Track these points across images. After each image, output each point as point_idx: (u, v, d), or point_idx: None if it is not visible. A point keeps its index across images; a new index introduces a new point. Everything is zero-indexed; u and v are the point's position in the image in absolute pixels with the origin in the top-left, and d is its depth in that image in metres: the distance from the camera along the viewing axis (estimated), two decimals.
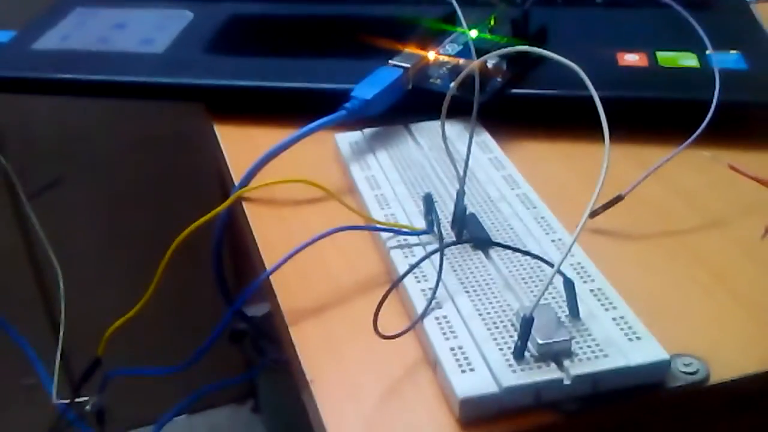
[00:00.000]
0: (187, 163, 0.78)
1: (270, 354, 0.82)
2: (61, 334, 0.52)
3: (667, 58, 0.40)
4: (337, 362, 0.26)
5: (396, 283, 0.26)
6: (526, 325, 0.23)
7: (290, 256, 0.29)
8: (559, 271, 0.24)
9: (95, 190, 0.78)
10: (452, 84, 0.27)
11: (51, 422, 0.50)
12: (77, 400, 0.45)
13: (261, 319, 0.79)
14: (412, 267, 0.25)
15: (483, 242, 0.28)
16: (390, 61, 0.38)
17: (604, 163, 0.23)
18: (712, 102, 0.34)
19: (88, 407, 0.43)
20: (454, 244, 0.28)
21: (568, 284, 0.25)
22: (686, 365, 0.25)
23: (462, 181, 0.29)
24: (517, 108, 0.38)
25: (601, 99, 0.23)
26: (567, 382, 0.23)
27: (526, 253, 0.27)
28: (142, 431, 0.88)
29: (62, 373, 0.49)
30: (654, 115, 0.37)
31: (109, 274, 0.80)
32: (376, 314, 0.24)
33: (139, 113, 0.74)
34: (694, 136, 0.33)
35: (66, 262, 0.55)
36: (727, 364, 0.25)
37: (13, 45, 0.46)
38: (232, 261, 0.64)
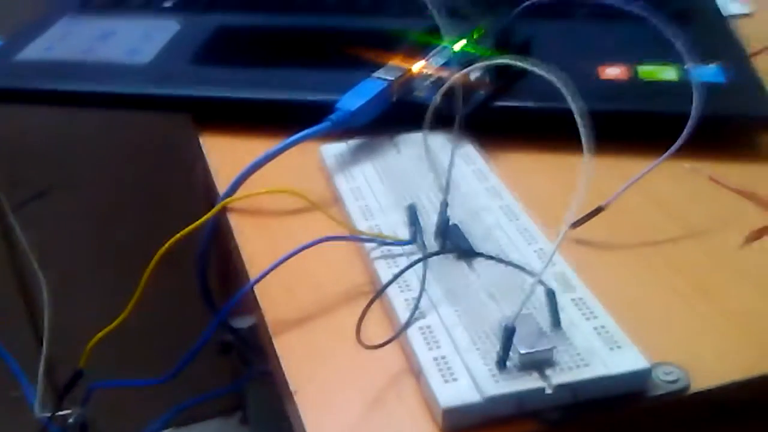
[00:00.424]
0: (175, 174, 0.78)
1: (257, 365, 0.82)
2: (45, 346, 0.52)
3: (647, 71, 0.40)
4: (321, 373, 0.26)
5: (379, 292, 0.26)
6: (508, 335, 0.24)
7: (274, 267, 0.29)
8: (540, 281, 0.24)
9: (81, 201, 0.78)
10: (435, 96, 0.27)
11: None
12: (60, 413, 0.45)
13: (248, 331, 0.79)
14: (395, 277, 0.26)
15: (466, 252, 0.28)
16: (374, 74, 0.38)
17: (584, 175, 0.24)
18: (691, 115, 0.35)
19: (71, 420, 0.42)
20: (437, 254, 0.29)
21: (550, 294, 0.25)
22: (667, 374, 0.25)
23: (445, 192, 0.29)
24: (500, 120, 0.38)
25: (583, 110, 0.24)
26: (549, 391, 0.23)
27: (508, 263, 0.27)
28: None
29: (47, 385, 0.49)
30: (635, 127, 0.38)
31: (94, 285, 0.80)
32: (359, 324, 0.24)
33: (126, 124, 0.74)
34: (673, 148, 0.34)
35: (51, 273, 0.54)
36: (708, 372, 0.25)
37: None
38: (220, 270, 0.63)
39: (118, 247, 0.79)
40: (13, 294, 0.78)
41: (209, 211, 0.33)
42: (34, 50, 0.45)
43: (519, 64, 0.25)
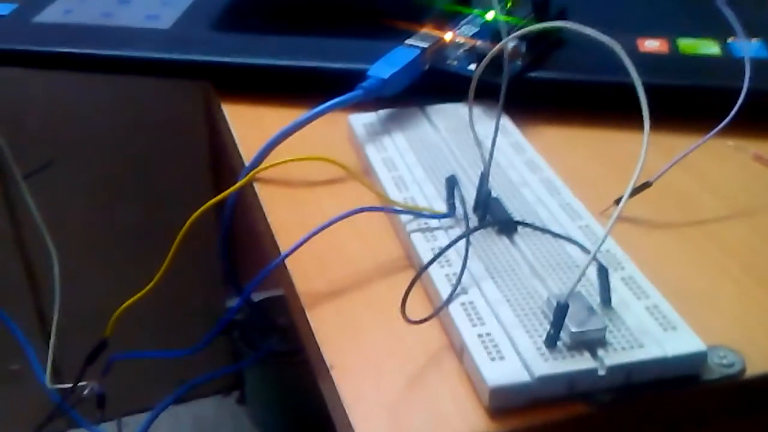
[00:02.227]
0: (181, 148, 0.76)
1: (266, 345, 0.81)
2: (55, 318, 0.51)
3: (688, 45, 0.39)
4: (358, 348, 0.25)
5: (424, 268, 0.25)
6: (561, 313, 0.22)
7: (307, 239, 0.28)
8: (595, 258, 0.23)
9: (87, 173, 0.76)
10: (477, 66, 0.26)
11: (38, 408, 0.49)
12: (77, 384, 0.44)
13: (258, 305, 0.78)
14: (440, 253, 0.24)
15: (510, 225, 0.27)
16: (407, 41, 0.37)
17: (644, 148, 0.23)
18: (735, 90, 0.33)
19: (85, 392, 0.41)
20: (480, 228, 0.27)
21: (602, 272, 0.24)
22: (721, 357, 0.24)
23: (488, 164, 0.28)
24: (536, 92, 0.37)
25: (622, 85, 0.22)
26: (601, 372, 0.22)
27: (560, 236, 0.26)
28: (131, 419, 0.87)
29: (54, 359, 0.48)
30: (677, 103, 0.37)
31: (100, 258, 0.79)
32: (404, 299, 0.23)
33: (131, 96, 0.73)
34: (722, 124, 0.32)
35: (56, 246, 0.53)
36: (763, 356, 0.24)
37: (14, 17, 0.44)
38: (233, 249, 0.62)
39: (124, 220, 0.78)
40: (17, 268, 0.77)
41: (217, 184, 0.31)
42: (52, 13, 0.44)
43: (574, 25, 0.24)
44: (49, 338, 0.48)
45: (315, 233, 0.28)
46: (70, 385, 0.37)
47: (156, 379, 0.63)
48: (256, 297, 0.72)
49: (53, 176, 0.71)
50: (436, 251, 0.27)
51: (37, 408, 0.51)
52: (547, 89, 0.37)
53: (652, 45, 0.39)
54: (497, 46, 0.28)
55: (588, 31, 0.24)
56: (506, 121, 0.35)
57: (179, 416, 0.90)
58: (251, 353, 0.81)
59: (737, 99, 0.32)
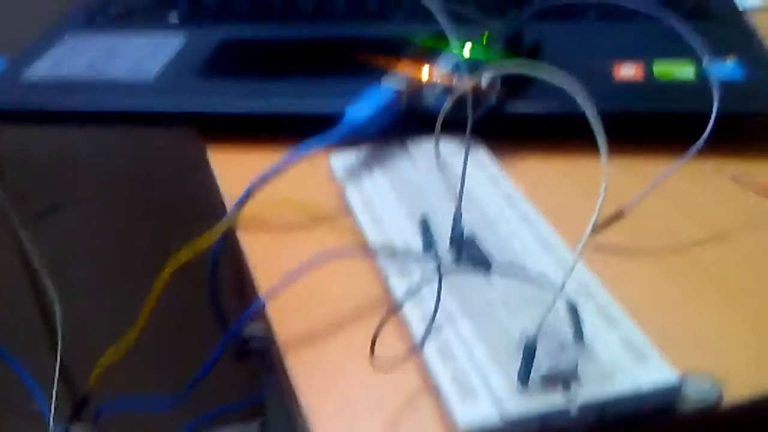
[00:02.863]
0: (186, 189, 0.77)
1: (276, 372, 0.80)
2: (58, 363, 0.51)
3: (663, 70, 0.39)
4: (335, 392, 0.25)
5: (390, 314, 0.25)
6: (530, 350, 0.22)
7: (285, 284, 0.28)
8: (561, 295, 0.23)
9: (94, 216, 0.77)
10: (446, 103, 0.26)
11: None
12: (73, 428, 0.44)
13: (267, 337, 0.78)
14: (407, 297, 0.25)
15: (482, 266, 0.27)
16: (383, 82, 0.37)
17: (604, 179, 0.23)
18: (710, 113, 0.34)
19: None
20: (454, 263, 0.28)
21: (572, 309, 0.24)
22: (698, 386, 0.24)
23: (459, 203, 0.28)
24: (513, 125, 0.37)
25: (598, 113, 0.23)
26: (574, 412, 0.22)
27: (527, 275, 0.26)
28: None
29: (63, 399, 0.48)
30: (653, 128, 0.37)
31: (107, 300, 0.79)
32: (372, 345, 0.23)
33: (136, 139, 0.74)
34: (694, 148, 0.32)
35: (65, 288, 0.54)
36: (742, 382, 0.24)
37: (5, 75, 0.45)
38: (236, 280, 0.63)
39: (131, 261, 0.78)
40: (31, 310, 0.78)
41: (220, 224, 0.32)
42: (40, 68, 0.45)
43: (527, 71, 0.24)
44: (59, 380, 0.48)
45: (292, 278, 0.28)
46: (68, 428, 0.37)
47: (172, 415, 0.63)
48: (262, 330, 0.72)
49: (60, 218, 0.72)
50: (413, 291, 0.27)
51: None
52: (523, 122, 0.37)
53: (628, 72, 0.39)
54: (464, 85, 0.28)
55: (547, 76, 0.24)
56: (484, 155, 0.36)
57: None
58: (269, 378, 0.81)
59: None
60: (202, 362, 0.30)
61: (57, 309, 0.52)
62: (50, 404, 0.45)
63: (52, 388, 0.46)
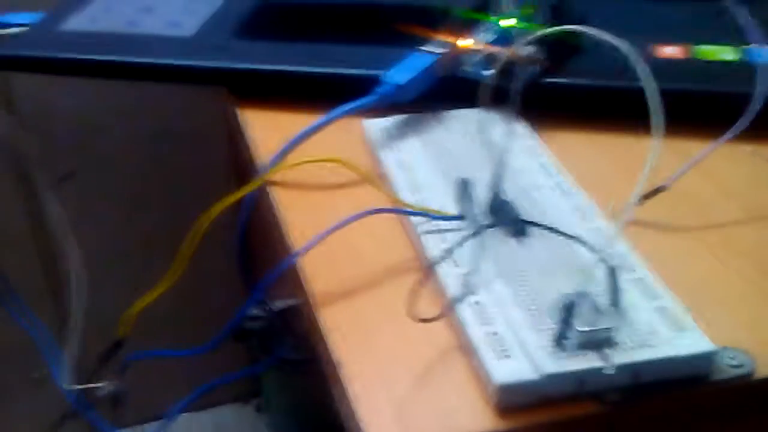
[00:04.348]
0: (203, 156, 0.77)
1: (281, 352, 0.81)
2: (75, 319, 0.51)
3: (706, 51, 0.39)
4: (367, 347, 0.25)
5: (433, 266, 0.25)
6: (567, 312, 0.22)
7: (319, 239, 0.28)
8: (602, 258, 0.23)
9: (110, 182, 0.78)
10: (490, 71, 0.26)
11: (60, 412, 0.50)
12: (91, 385, 0.44)
13: (275, 314, 0.78)
14: (451, 250, 0.25)
15: (520, 227, 0.27)
16: (423, 48, 0.37)
17: (653, 151, 0.23)
18: (752, 94, 0.33)
19: (102, 393, 0.42)
20: (491, 226, 0.28)
21: (611, 272, 0.24)
22: (731, 358, 0.24)
23: (500, 167, 0.28)
24: (553, 97, 0.37)
25: (639, 90, 0.22)
26: (609, 371, 0.22)
27: (567, 235, 0.26)
28: (149, 427, 0.88)
29: (75, 361, 0.49)
30: (693, 108, 0.36)
31: (122, 266, 0.80)
32: (411, 298, 0.23)
33: (155, 105, 0.74)
34: (735, 129, 0.32)
35: (81, 251, 0.54)
36: None
37: (41, 26, 0.45)
38: (250, 251, 0.63)
39: (147, 228, 0.79)
40: (38, 274, 0.78)
41: (241, 187, 0.32)
42: (78, 22, 0.45)
43: (585, 29, 0.24)
44: (76, 340, 0.48)
45: (328, 233, 0.28)
46: (84, 386, 0.37)
47: (175, 388, 0.63)
48: (277, 305, 0.72)
49: (78, 184, 0.72)
50: (449, 252, 0.27)
51: (60, 412, 0.52)
52: (564, 95, 0.37)
53: (670, 51, 0.39)
54: (508, 51, 0.28)
55: (601, 34, 0.24)
56: (522, 126, 0.35)
57: (199, 423, 0.91)
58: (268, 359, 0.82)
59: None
60: (216, 324, 0.30)
61: (77, 272, 0.52)
62: (63, 364, 0.45)
63: (65, 351, 0.47)
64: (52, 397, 0.46)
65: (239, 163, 0.39)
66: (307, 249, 0.28)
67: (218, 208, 0.30)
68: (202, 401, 0.88)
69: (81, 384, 0.44)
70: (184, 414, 0.89)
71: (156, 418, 0.61)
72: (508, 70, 0.29)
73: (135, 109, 0.74)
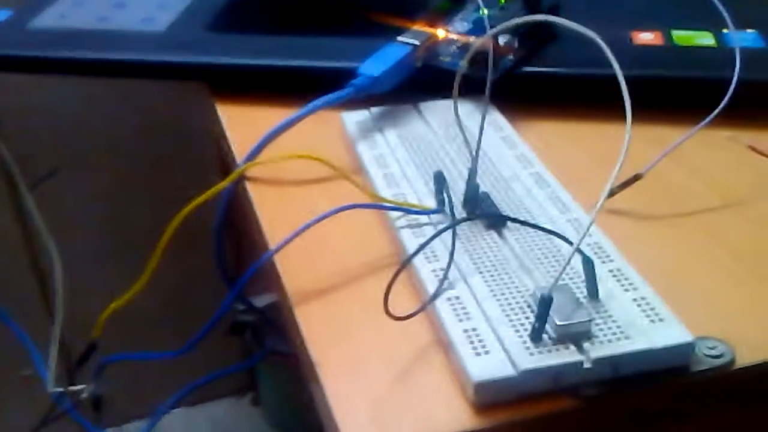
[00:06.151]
0: (187, 151, 0.77)
1: (272, 345, 0.81)
2: (58, 320, 0.51)
3: (682, 36, 0.39)
4: (345, 345, 0.25)
5: (407, 260, 0.24)
6: (545, 306, 0.22)
7: (295, 235, 0.28)
8: (578, 250, 0.23)
9: (93, 180, 0.77)
10: (462, 61, 0.26)
11: (46, 411, 0.49)
12: (72, 388, 0.44)
13: (264, 310, 0.78)
14: (424, 244, 0.24)
15: (497, 219, 0.27)
16: (398, 38, 0.37)
17: (626, 139, 0.22)
18: (730, 81, 0.33)
19: (84, 395, 0.42)
20: (466, 220, 0.27)
21: (588, 263, 0.24)
22: (710, 348, 0.23)
23: (475, 159, 0.28)
24: (528, 86, 0.37)
25: (613, 77, 0.22)
26: (587, 365, 0.22)
27: (543, 229, 0.26)
28: (139, 424, 0.87)
29: (60, 362, 0.48)
30: (671, 94, 0.36)
31: (107, 263, 0.79)
32: (386, 294, 0.23)
33: (136, 101, 0.73)
34: (713, 115, 0.32)
35: (64, 251, 0.54)
36: (753, 347, 0.24)
37: (10, 23, 0.44)
38: (234, 249, 0.62)
39: (131, 225, 0.78)
40: (27, 273, 0.77)
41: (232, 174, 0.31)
42: (47, 18, 0.44)
43: (554, 18, 0.23)
44: (57, 342, 0.48)
45: (304, 229, 0.28)
46: (64, 389, 0.37)
47: (165, 385, 0.63)
48: (267, 300, 0.72)
49: (60, 183, 0.71)
50: (425, 246, 0.27)
51: (47, 411, 0.52)
52: (539, 83, 0.37)
53: (646, 37, 0.39)
54: (481, 40, 0.28)
55: (571, 24, 0.24)
56: (498, 117, 0.35)
57: (194, 418, 0.90)
58: (260, 352, 0.81)
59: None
60: (200, 324, 0.30)
61: (57, 273, 0.52)
62: (49, 364, 0.44)
63: (47, 353, 0.46)
64: (41, 395, 0.46)
65: (224, 159, 0.39)
66: (282, 245, 0.28)
67: (193, 204, 0.30)
68: (198, 396, 0.88)
69: (63, 386, 0.44)
70: (180, 409, 0.89)
71: (150, 414, 0.61)
72: (482, 59, 0.28)
73: (115, 104, 0.73)
